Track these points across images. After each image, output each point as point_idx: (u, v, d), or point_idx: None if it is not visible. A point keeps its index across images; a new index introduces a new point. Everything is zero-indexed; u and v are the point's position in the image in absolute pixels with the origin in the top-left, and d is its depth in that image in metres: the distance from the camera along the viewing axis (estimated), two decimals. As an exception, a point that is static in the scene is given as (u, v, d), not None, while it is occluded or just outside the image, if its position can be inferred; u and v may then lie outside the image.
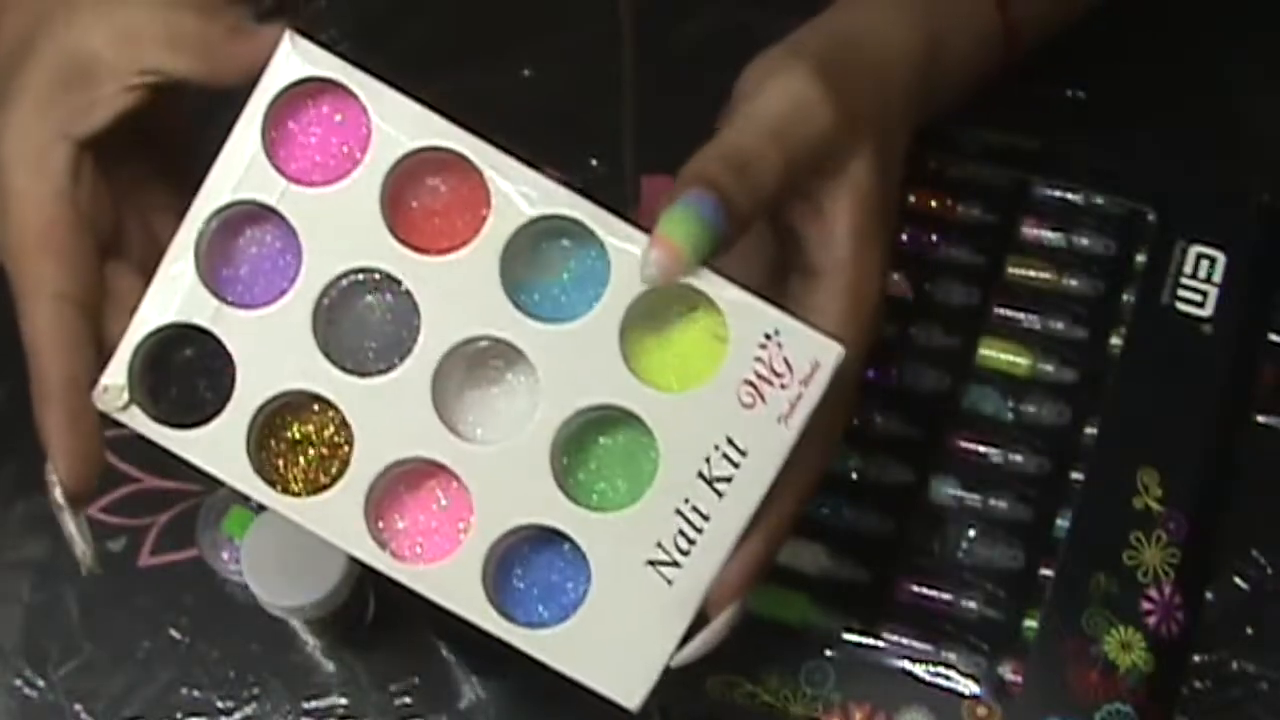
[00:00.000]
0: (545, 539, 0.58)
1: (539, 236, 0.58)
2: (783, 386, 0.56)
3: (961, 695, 0.67)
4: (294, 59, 0.58)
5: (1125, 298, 0.74)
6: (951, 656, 0.67)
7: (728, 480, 0.56)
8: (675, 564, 0.57)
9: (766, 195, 0.58)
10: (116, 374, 0.58)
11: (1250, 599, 0.72)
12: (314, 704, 0.75)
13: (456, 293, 0.57)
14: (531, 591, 0.58)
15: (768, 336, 0.56)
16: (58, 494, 0.59)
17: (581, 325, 0.57)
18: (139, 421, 0.59)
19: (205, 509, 0.75)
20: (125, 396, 0.58)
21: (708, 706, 0.67)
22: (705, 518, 0.56)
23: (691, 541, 0.56)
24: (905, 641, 0.68)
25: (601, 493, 0.58)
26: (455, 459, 0.57)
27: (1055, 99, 0.81)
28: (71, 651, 0.75)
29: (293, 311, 0.58)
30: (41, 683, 0.75)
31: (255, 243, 0.59)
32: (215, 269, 0.59)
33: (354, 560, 0.59)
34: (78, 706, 0.74)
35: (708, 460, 0.56)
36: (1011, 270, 0.75)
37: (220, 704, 0.74)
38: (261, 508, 0.71)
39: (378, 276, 0.58)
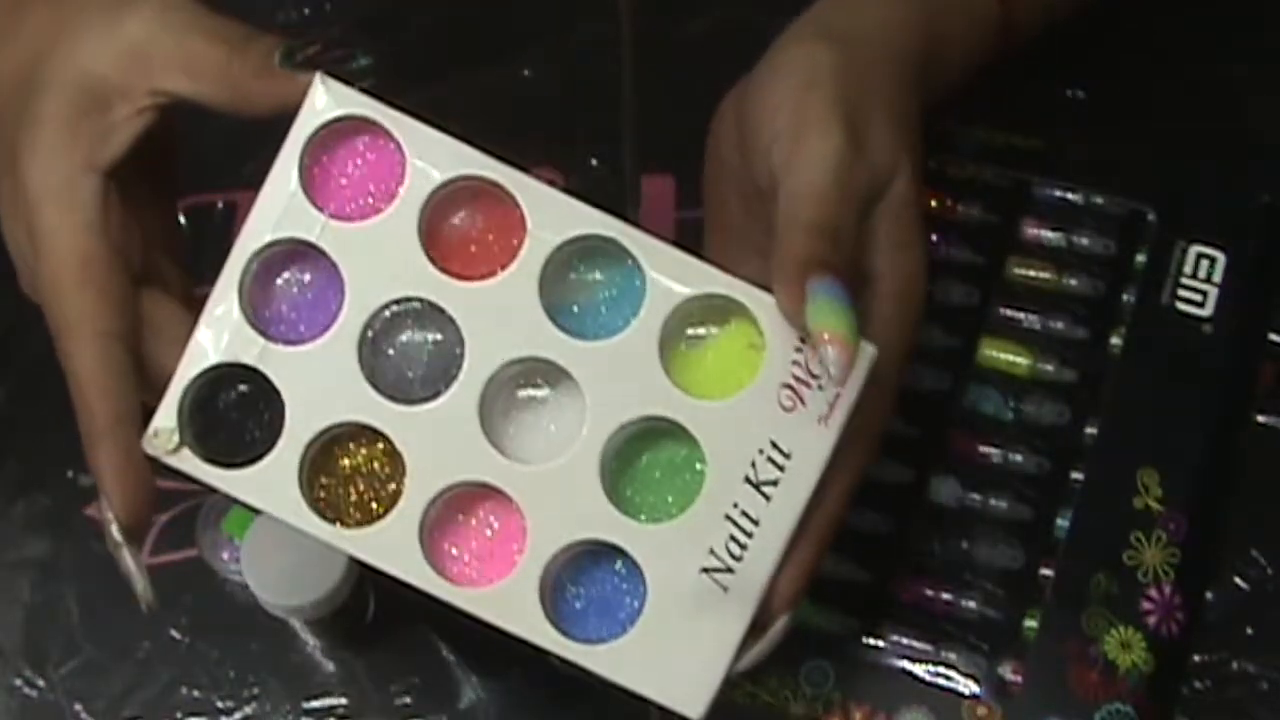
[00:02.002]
0: (599, 554, 0.58)
1: (574, 256, 0.59)
2: (820, 388, 0.57)
3: (961, 695, 0.67)
4: (326, 100, 0.58)
5: (1125, 298, 0.74)
6: (951, 656, 0.67)
7: (774, 484, 0.57)
8: (729, 570, 0.57)
9: (851, 255, 0.59)
10: (166, 417, 0.58)
11: (1250, 599, 0.72)
12: (314, 704, 0.75)
13: (498, 316, 0.58)
14: (589, 607, 0.59)
15: (803, 340, 0.57)
16: (114, 531, 0.57)
17: (621, 341, 0.58)
18: (190, 464, 0.59)
19: (205, 509, 0.75)
20: (176, 439, 0.58)
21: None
22: (755, 522, 0.57)
23: (744, 546, 0.57)
24: (905, 641, 0.68)
25: (651, 505, 0.58)
26: (506, 480, 0.58)
27: (1055, 99, 0.81)
28: (71, 651, 0.75)
29: (338, 345, 0.58)
30: (41, 683, 0.75)
31: (298, 280, 0.60)
32: (259, 307, 0.59)
33: (415, 590, 0.58)
34: (78, 706, 0.74)
35: (753, 465, 0.57)
36: (1011, 270, 0.75)
37: (220, 704, 0.74)
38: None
39: (420, 306, 0.59)
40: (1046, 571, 0.69)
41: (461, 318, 0.58)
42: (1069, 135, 0.79)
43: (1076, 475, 0.71)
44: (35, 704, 0.74)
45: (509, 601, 0.58)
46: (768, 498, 0.57)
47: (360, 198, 0.59)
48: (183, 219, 0.84)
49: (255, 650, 0.75)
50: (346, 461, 0.59)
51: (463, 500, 0.59)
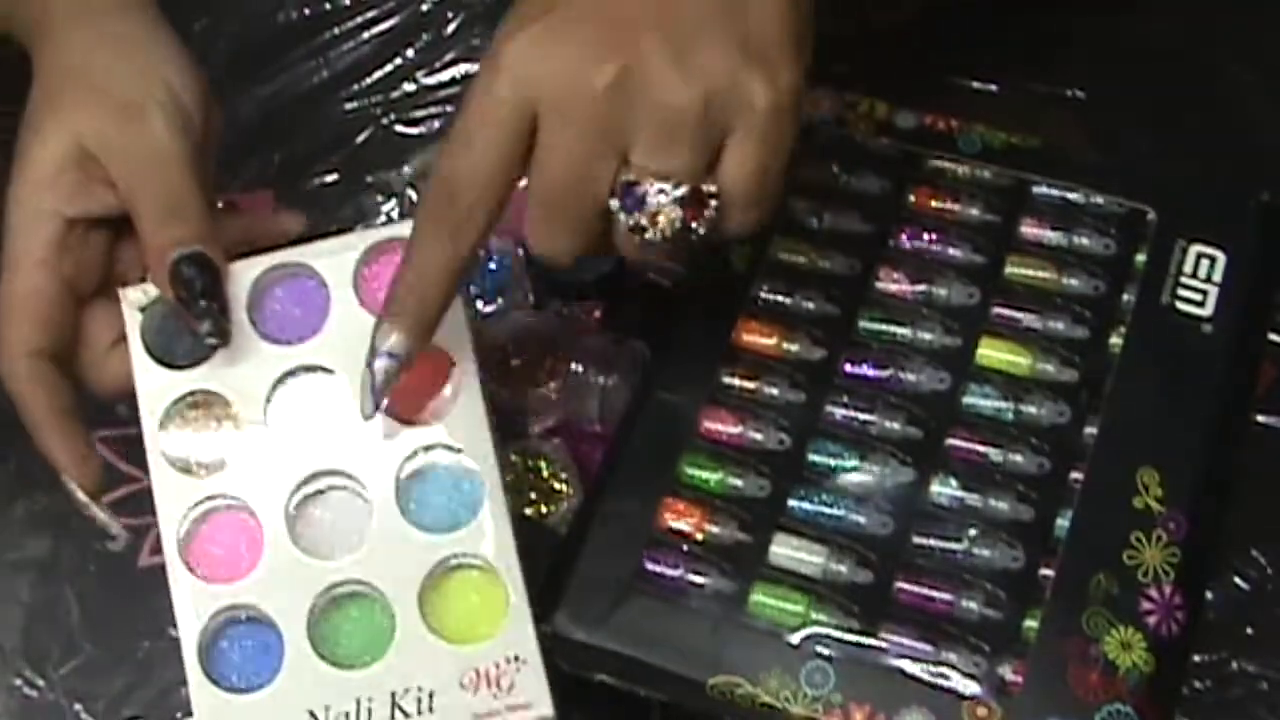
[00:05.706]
0: (268, 631, 0.66)
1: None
2: (494, 697, 0.64)
3: (961, 695, 0.66)
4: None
5: (1125, 297, 0.74)
6: (951, 656, 0.67)
7: (405, 715, 0.63)
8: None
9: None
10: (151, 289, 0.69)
11: (1250, 599, 0.72)
12: (314, 704, 0.74)
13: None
14: (234, 658, 0.66)
15: (517, 658, 0.64)
16: (80, 494, 0.71)
17: (427, 539, 0.66)
18: (134, 328, 0.68)
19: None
20: (145, 301, 0.68)
21: (708, 706, 0.67)
22: (369, 716, 0.64)
23: (347, 718, 0.64)
24: (905, 641, 0.68)
25: (334, 640, 0.66)
26: (275, 528, 0.67)
27: (1055, 99, 0.81)
28: (71, 651, 0.75)
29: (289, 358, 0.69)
30: (41, 683, 0.75)
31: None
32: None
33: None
34: (78, 706, 0.74)
35: (406, 690, 0.64)
36: (1011, 270, 0.75)
37: (220, 704, 0.74)
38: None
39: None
40: (1046, 571, 0.69)
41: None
42: (1069, 135, 0.79)
43: (1076, 475, 0.71)
44: (35, 704, 0.74)
45: (197, 597, 0.66)
46: (392, 719, 0.64)
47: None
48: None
49: (255, 650, 0.75)
50: (207, 411, 0.68)
51: (240, 520, 0.68)
